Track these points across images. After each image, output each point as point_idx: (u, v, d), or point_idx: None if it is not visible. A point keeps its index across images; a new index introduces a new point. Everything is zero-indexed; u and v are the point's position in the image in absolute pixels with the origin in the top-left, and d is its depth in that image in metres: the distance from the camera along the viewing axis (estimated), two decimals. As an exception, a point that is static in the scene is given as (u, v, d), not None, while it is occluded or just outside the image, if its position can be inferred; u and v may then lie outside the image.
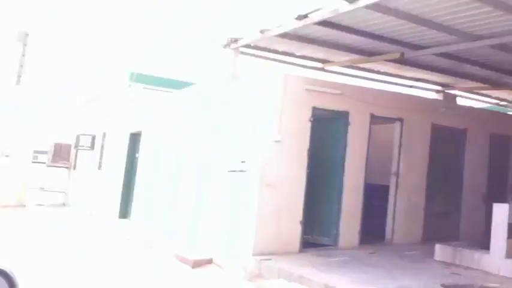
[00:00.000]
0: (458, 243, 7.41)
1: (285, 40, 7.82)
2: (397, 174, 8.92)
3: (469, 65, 8.68)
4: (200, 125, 9.46)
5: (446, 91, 11.17)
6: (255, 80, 8.04)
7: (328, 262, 6.76)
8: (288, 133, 7.50)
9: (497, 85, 10.41)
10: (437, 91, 11.19)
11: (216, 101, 9.03)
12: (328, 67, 9.31)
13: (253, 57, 8.86)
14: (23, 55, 17.90)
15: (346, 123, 8.16)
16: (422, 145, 9.27)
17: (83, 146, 17.49)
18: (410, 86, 10.75)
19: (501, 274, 6.16)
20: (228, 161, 8.06)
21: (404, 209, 8.92)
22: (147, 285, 6.69)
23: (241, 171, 7.63)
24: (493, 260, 6.38)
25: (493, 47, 7.26)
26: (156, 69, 15.00)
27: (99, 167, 16.24)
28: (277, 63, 9.15)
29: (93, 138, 17.29)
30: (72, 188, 19.42)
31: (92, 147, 17.28)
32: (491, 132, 10.37)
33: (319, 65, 9.28)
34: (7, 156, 17.93)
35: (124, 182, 13.35)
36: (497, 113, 12.24)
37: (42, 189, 19.29)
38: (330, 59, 9.01)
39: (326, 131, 8.22)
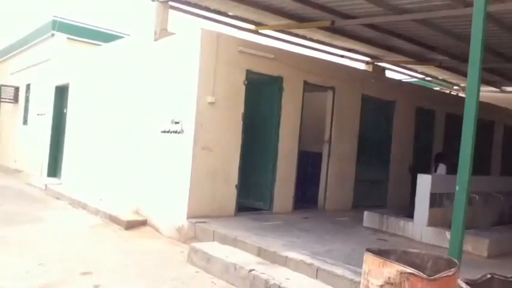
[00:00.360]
0: (385, 211, 7.80)
1: None
2: (329, 142, 9.13)
3: (396, 39, 8.98)
4: (131, 81, 9.09)
5: (375, 63, 11.54)
6: (186, 37, 7.66)
7: (262, 226, 6.87)
8: (222, 95, 7.36)
9: (422, 60, 10.92)
10: (367, 62, 11.55)
11: (146, 56, 8.62)
12: (261, 30, 9.24)
13: (184, 14, 8.55)
14: None
15: (280, 89, 8.16)
16: (353, 114, 9.53)
17: (5, 99, 16.44)
18: (342, 56, 11.00)
19: (423, 241, 6.60)
20: (162, 121, 7.81)
21: (336, 177, 9.20)
22: (76, 246, 6.48)
23: (175, 132, 7.45)
24: (416, 228, 6.80)
25: (417, 21, 7.53)
26: (81, 18, 14.08)
27: (25, 122, 15.33)
28: (209, 22, 8.91)
29: (17, 90, 16.20)
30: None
31: (16, 99, 16.23)
32: (417, 106, 10.89)
33: (252, 27, 9.18)
34: None
35: (52, 138, 12.72)
36: (423, 87, 12.87)
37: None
38: (263, 22, 8.94)
39: (260, 95, 8.20)
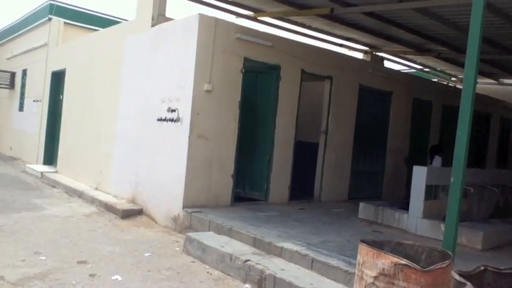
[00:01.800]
0: (380, 203, 7.81)
1: None
2: (326, 132, 9.11)
3: (395, 28, 8.94)
4: (127, 67, 8.99)
5: (374, 53, 11.50)
6: (183, 22, 7.55)
7: (258, 216, 6.88)
8: (219, 83, 7.30)
9: (421, 50, 10.89)
10: (365, 52, 11.49)
11: (143, 42, 8.50)
12: (260, 17, 9.15)
13: None
14: None
15: (278, 78, 8.12)
16: (350, 105, 9.51)
17: (1, 84, 16.28)
18: (340, 45, 10.95)
19: (418, 233, 6.63)
20: (158, 108, 7.75)
21: (332, 168, 9.21)
22: (72, 235, 6.47)
23: (172, 120, 7.41)
24: (411, 220, 6.82)
25: (417, 10, 7.49)
26: (79, 2, 14.00)
27: (21, 108, 15.24)
28: (207, 7, 8.85)
29: (13, 75, 16.03)
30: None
31: (12, 85, 16.07)
32: (414, 97, 10.88)
33: (251, 14, 9.10)
34: None
35: (48, 125, 12.66)
36: (421, 78, 12.85)
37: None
38: (262, 9, 8.86)
39: (257, 84, 8.16)
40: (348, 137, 9.52)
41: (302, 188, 8.99)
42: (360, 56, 11.57)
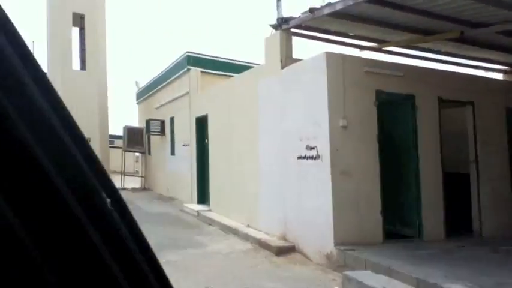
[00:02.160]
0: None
1: (337, 20, 7.66)
2: (476, 161, 8.53)
3: None
4: (262, 109, 9.46)
5: None
6: (311, 62, 7.75)
7: (416, 255, 6.63)
8: (353, 118, 7.31)
9: None
10: (505, 72, 10.54)
11: (274, 85, 8.89)
12: (384, 47, 9.01)
13: (306, 39, 8.71)
14: (84, 39, 18.70)
15: (413, 108, 7.89)
16: (499, 130, 8.83)
17: (153, 132, 18.05)
18: (476, 67, 10.21)
19: None
20: (297, 147, 7.99)
21: (490, 199, 8.54)
22: (235, 271, 6.92)
23: (312, 158, 7.58)
24: None
25: None
26: (212, 52, 15.22)
27: (172, 152, 16.81)
28: (330, 44, 8.97)
29: (162, 123, 17.79)
30: (149, 172, 20.23)
31: (162, 132, 17.82)
32: None
33: (375, 45, 9.00)
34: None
35: (198, 166, 13.75)
36: None
37: (120, 173, 20.32)
38: (385, 39, 8.72)
39: (393, 116, 8.01)
40: (503, 165, 8.81)
41: (456, 223, 8.45)
42: (499, 76, 10.70)
